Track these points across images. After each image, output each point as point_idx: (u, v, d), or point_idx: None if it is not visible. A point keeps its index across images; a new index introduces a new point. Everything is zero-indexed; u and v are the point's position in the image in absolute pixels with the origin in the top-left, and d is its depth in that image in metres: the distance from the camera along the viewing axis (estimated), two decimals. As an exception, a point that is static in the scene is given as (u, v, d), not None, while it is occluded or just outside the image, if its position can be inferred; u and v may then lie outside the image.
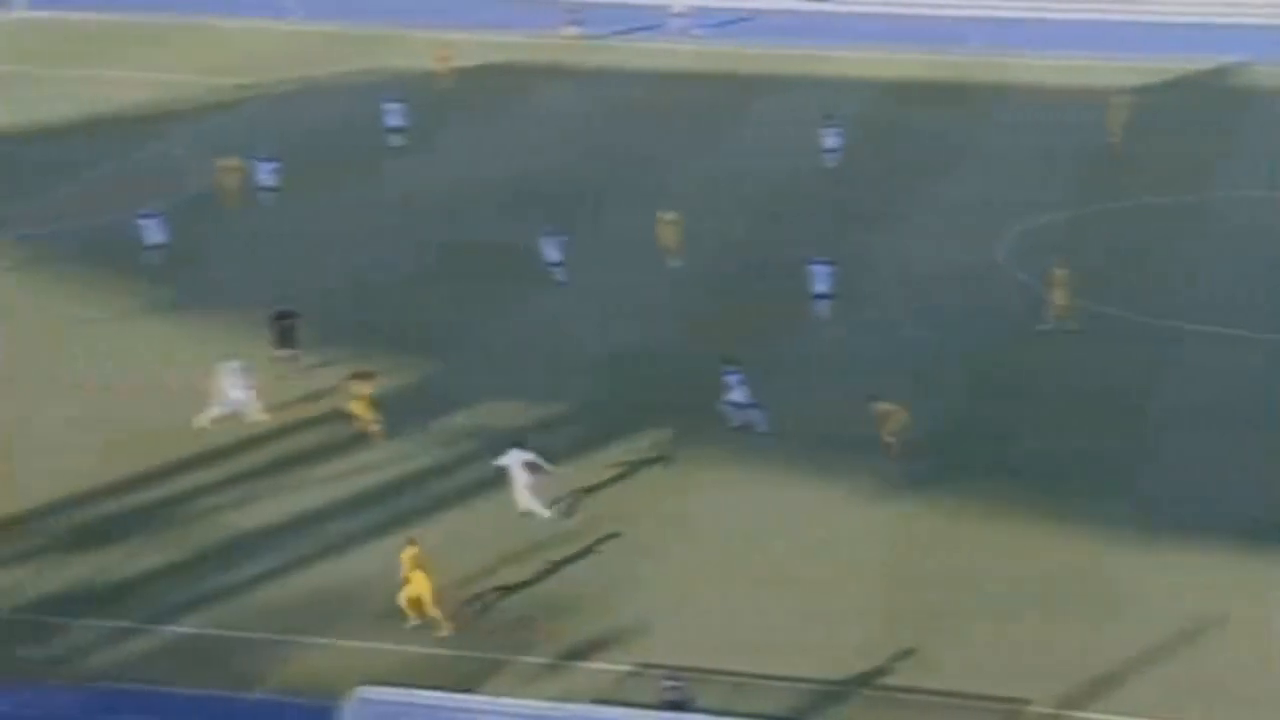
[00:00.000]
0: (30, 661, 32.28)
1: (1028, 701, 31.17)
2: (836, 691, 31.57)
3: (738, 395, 41.87)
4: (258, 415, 41.63)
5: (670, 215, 52.78)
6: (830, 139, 62.96)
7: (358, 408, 41.19)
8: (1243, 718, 30.82)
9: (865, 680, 31.89)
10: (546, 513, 37.27)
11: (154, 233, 51.90)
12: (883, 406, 40.24)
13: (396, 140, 65.07)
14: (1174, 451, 41.10)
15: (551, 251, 51.38)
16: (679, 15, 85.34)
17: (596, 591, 35.02)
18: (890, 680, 31.92)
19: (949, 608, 34.43)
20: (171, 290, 50.33)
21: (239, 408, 41.55)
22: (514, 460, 37.55)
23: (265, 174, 57.43)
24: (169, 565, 35.89)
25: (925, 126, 69.04)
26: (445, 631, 33.10)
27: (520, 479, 37.39)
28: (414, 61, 77.75)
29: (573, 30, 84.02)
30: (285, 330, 45.23)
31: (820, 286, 49.00)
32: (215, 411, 41.48)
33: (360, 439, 41.25)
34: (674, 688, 30.03)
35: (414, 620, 33.22)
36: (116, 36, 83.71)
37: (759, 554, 36.46)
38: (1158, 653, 32.68)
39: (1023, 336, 48.19)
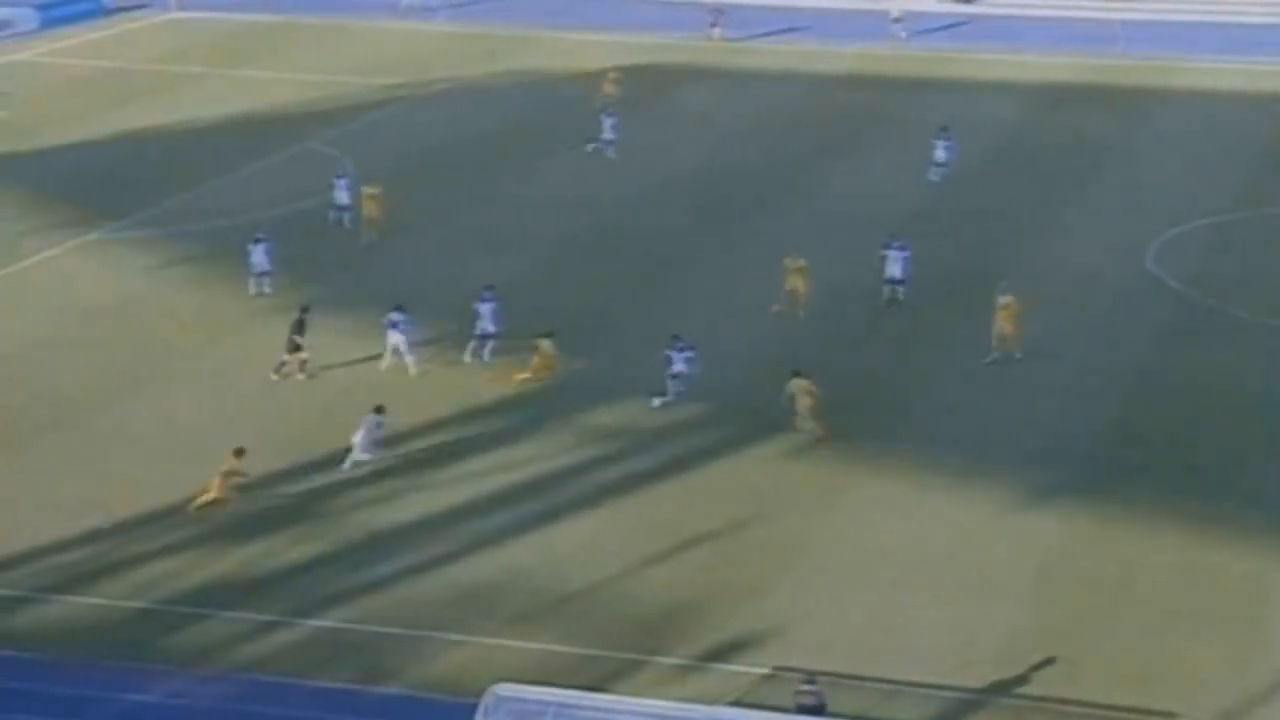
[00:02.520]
0: (175, 652, 32.73)
1: (1176, 715, 30.58)
2: (977, 699, 31.14)
3: (680, 367, 43.02)
4: (413, 368, 44.22)
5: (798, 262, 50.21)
6: (941, 151, 61.38)
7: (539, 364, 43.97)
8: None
9: (1006, 688, 31.41)
10: None
11: (261, 257, 50.20)
12: (801, 384, 40.90)
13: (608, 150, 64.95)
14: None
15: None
16: (896, 20, 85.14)
17: (735, 592, 34.84)
18: (1032, 690, 31.39)
19: (1100, 616, 33.83)
20: (320, 289, 50.76)
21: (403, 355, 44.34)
22: None
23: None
24: (312, 559, 36.18)
25: (1081, 129, 68.28)
26: None
27: None
28: (555, 63, 78.41)
29: (717, 32, 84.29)
30: (298, 329, 44.50)
31: (894, 271, 49.47)
32: (385, 362, 44.37)
33: (502, 435, 41.55)
34: (809, 691, 29.78)
35: None
36: (265, 38, 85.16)
37: (904, 558, 36.07)
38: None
39: (1175, 341, 47.43)
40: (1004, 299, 44.46)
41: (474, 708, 28.50)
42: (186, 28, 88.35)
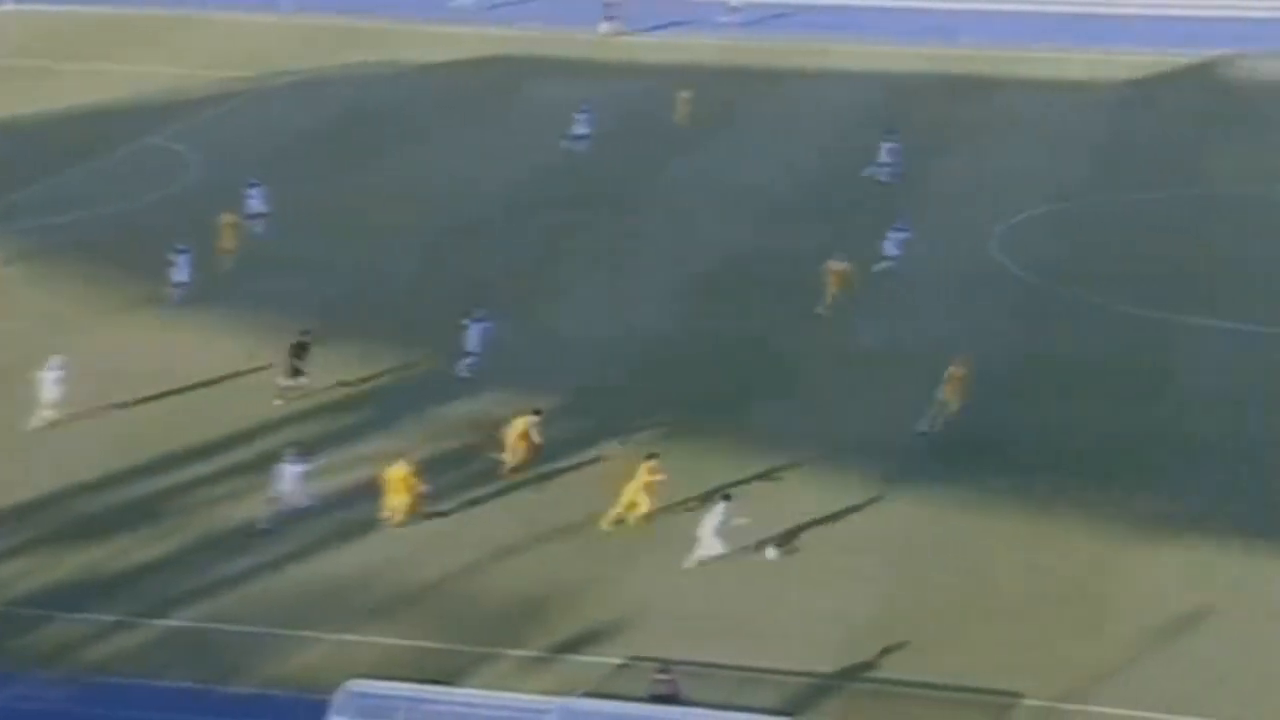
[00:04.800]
0: (21, 654, 32.12)
1: (1021, 695, 31.04)
2: (829, 684, 31.42)
3: (473, 345, 43.62)
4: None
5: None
6: (885, 154, 61.82)
7: None
8: (1233, 711, 30.65)
9: (857, 673, 31.72)
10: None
11: (181, 270, 49.02)
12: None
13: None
14: (1190, 444, 41.06)
15: None
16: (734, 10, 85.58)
17: (589, 582, 34.86)
18: (885, 673, 31.74)
19: (949, 601, 34.24)
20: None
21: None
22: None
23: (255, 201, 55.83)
24: (160, 559, 35.68)
25: (926, 120, 69.08)
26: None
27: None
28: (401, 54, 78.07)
29: (606, 26, 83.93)
30: (298, 352, 43.51)
31: (892, 250, 51.55)
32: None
33: (352, 431, 41.32)
34: (664, 680, 29.87)
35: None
36: (107, 30, 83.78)
37: (750, 544, 36.31)
38: (1156, 646, 32.55)
39: (1020, 327, 48.18)
40: (954, 369, 42.18)
41: (326, 705, 28.26)
42: (26, 20, 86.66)
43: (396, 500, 36.76)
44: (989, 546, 36.36)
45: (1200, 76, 77.02)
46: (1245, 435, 41.65)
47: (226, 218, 52.90)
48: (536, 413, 39.55)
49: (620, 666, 31.82)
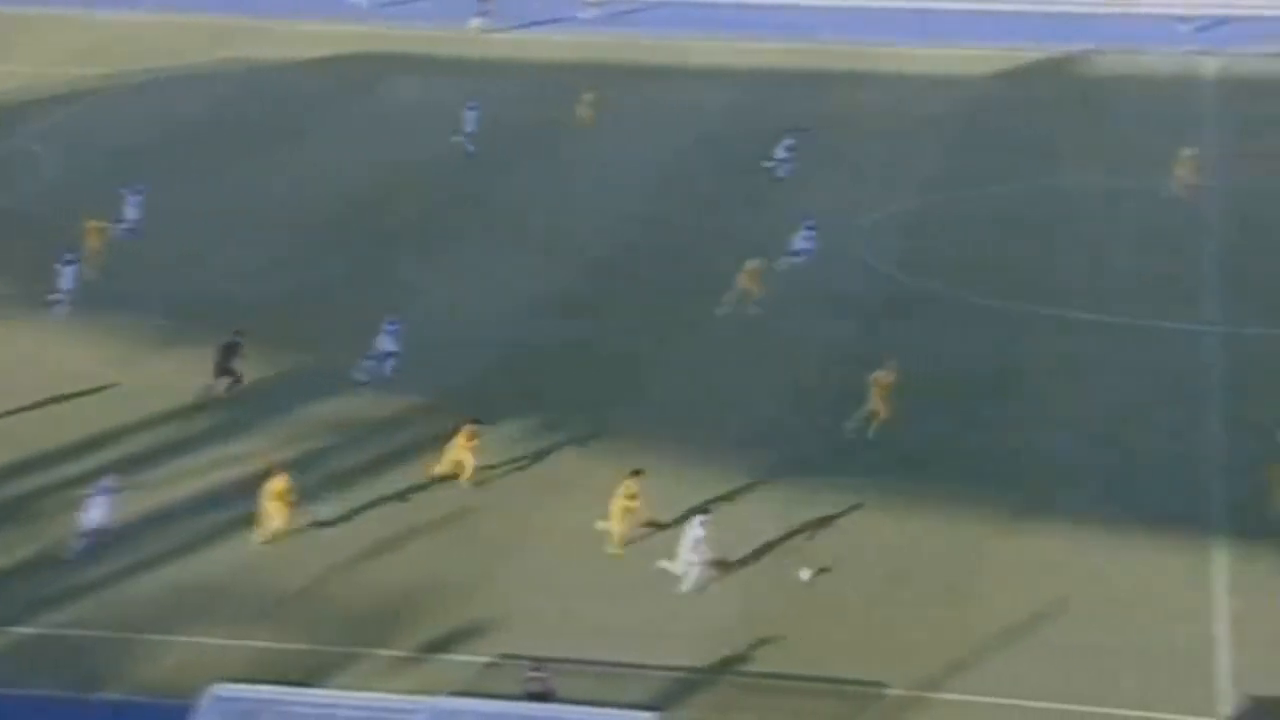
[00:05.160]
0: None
1: (885, 685, 31.44)
2: (699, 679, 31.60)
3: (387, 344, 43.51)
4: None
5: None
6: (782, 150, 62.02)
7: None
8: (1089, 694, 31.24)
9: (726, 666, 31.94)
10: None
11: (66, 279, 48.03)
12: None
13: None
14: (1043, 436, 41.65)
15: None
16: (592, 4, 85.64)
17: (458, 582, 34.80)
18: (753, 667, 32.00)
19: (814, 593, 34.51)
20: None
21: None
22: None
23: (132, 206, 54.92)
24: (18, 564, 35.16)
25: (787, 116, 69.59)
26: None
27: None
28: (270, 52, 77.33)
29: (477, 23, 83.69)
30: (227, 354, 43.11)
31: (801, 244, 52.26)
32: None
33: (217, 431, 40.94)
34: (537, 678, 29.89)
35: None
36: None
37: (626, 543, 36.39)
38: (1015, 635, 33.04)
39: (884, 322, 48.72)
40: (880, 375, 41.95)
41: (190, 710, 27.99)
42: None
43: (273, 515, 35.92)
44: (850, 541, 36.71)
45: (1055, 71, 78.28)
46: (1098, 426, 42.35)
47: (92, 223, 52.05)
48: (475, 422, 39.08)
49: (489, 665, 31.82)
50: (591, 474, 38.95)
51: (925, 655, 32.31)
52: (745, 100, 71.90)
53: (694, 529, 34.69)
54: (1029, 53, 79.82)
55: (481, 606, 33.91)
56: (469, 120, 64.37)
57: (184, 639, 32.54)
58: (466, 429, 38.66)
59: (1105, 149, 65.63)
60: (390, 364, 44.01)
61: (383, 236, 55.28)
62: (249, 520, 36.41)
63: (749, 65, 78.10)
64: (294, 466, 37.72)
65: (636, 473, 36.51)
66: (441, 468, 38.58)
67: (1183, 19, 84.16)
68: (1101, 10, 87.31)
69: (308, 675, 30.80)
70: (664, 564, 34.98)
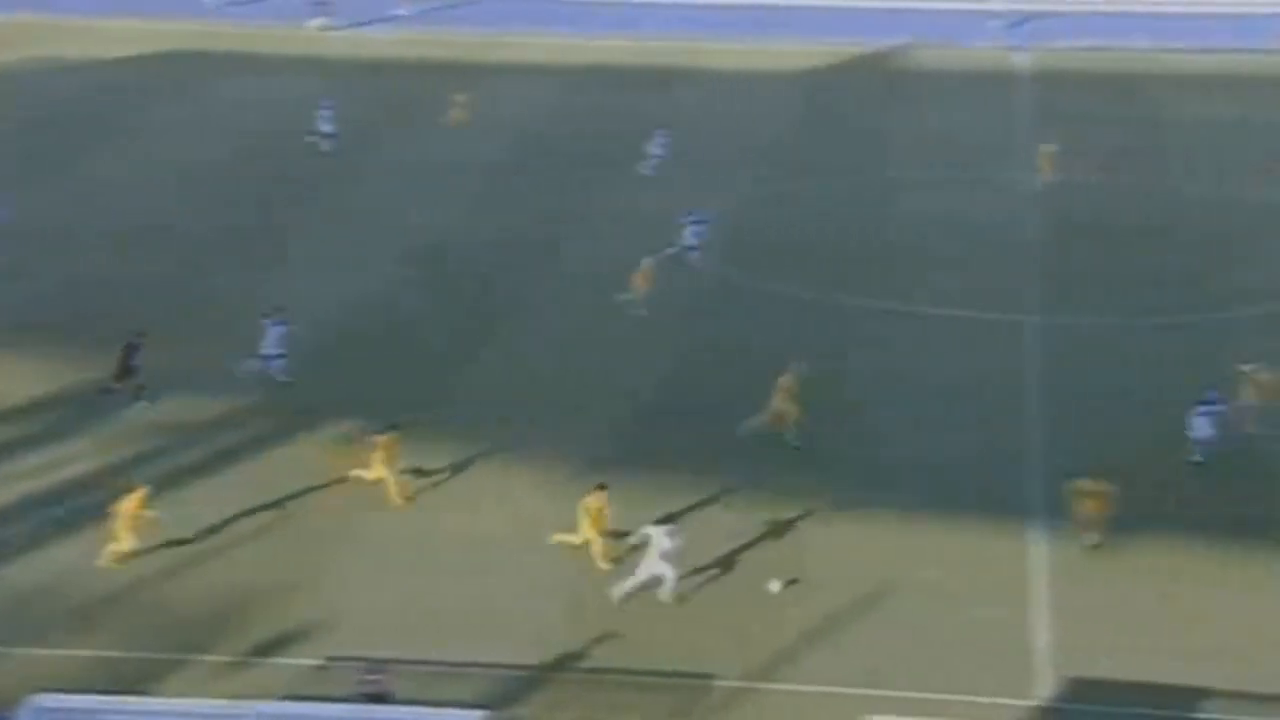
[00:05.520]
0: None
1: (713, 677, 31.76)
2: (531, 677, 31.66)
3: (272, 347, 43.07)
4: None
5: None
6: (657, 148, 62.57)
7: None
8: (910, 680, 31.79)
9: (559, 664, 32.06)
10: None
11: None
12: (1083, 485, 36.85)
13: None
14: (865, 425, 42.25)
15: None
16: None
17: (286, 584, 34.55)
18: (585, 663, 32.12)
19: (647, 591, 34.60)
20: None
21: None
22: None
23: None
24: None
25: (614, 113, 69.89)
26: None
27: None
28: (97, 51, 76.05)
29: (316, 22, 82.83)
30: (127, 354, 42.44)
31: (690, 240, 52.50)
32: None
33: (49, 433, 40.31)
34: (373, 680, 29.71)
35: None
36: None
37: (455, 542, 36.32)
38: (843, 624, 33.52)
39: (711, 317, 49.09)
40: (784, 378, 41.67)
41: (10, 722, 27.59)
42: None
43: (125, 537, 34.86)
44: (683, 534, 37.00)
45: (875, 65, 79.45)
46: (919, 415, 43.07)
47: None
48: (394, 427, 38.47)
49: (319, 668, 31.62)
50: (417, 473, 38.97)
51: (754, 646, 32.66)
52: (574, 98, 72.03)
53: (661, 540, 34.28)
54: (848, 47, 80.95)
55: (311, 608, 33.68)
56: (323, 119, 63.75)
57: (7, 650, 31.90)
58: (383, 438, 37.61)
59: (929, 142, 66.76)
60: (278, 365, 43.46)
61: (222, 233, 54.70)
62: (77, 525, 35.84)
63: (569, 61, 78.29)
64: (120, 468, 37.10)
65: (601, 487, 35.86)
66: (372, 474, 37.71)
67: (994, 14, 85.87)
68: (916, 5, 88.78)
69: (134, 683, 30.38)
70: (625, 587, 34.29)
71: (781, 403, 41.02)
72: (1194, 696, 30.91)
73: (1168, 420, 41.68)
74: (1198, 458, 39.86)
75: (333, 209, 57.76)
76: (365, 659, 30.43)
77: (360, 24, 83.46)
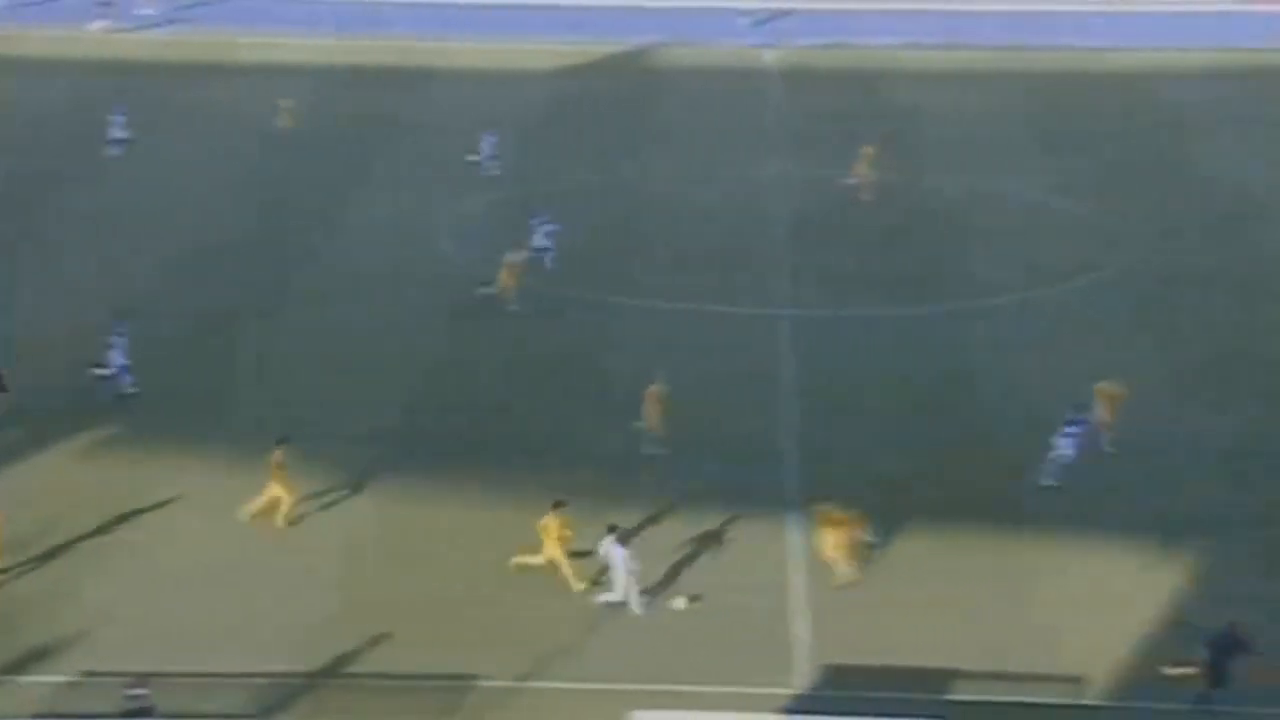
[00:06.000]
0: None
1: (479, 677, 31.84)
2: (298, 683, 31.40)
3: (118, 358, 42.39)
4: None
5: None
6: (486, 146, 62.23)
7: None
8: (671, 673, 32.02)
9: (327, 669, 31.87)
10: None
11: None
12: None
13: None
14: (621, 419, 42.47)
15: None
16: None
17: (38, 598, 33.84)
18: (353, 667, 31.98)
19: (413, 591, 34.72)
20: None
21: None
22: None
23: None
24: None
25: (361, 114, 69.45)
26: None
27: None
28: None
29: (99, 25, 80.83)
30: None
31: (541, 241, 52.09)
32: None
33: None
34: (136, 695, 29.08)
35: None
36: None
37: (214, 553, 35.94)
38: (598, 617, 33.82)
39: (466, 321, 49.16)
40: (653, 388, 41.28)
41: None
42: None
43: None
44: (438, 538, 37.05)
45: (625, 65, 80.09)
46: (676, 409, 43.38)
47: None
48: (281, 442, 37.38)
49: (72, 684, 30.97)
50: (176, 481, 38.46)
51: (520, 645, 32.81)
52: (316, 99, 71.42)
53: (616, 551, 34.01)
54: (598, 46, 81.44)
55: (63, 623, 32.99)
56: (115, 125, 62.33)
57: None
58: (276, 453, 36.73)
59: (679, 140, 67.52)
60: (126, 379, 42.63)
61: None
62: None
63: (311, 61, 77.68)
64: None
65: (559, 504, 35.33)
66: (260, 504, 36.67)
67: (742, 13, 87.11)
68: (666, 4, 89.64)
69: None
70: (605, 598, 34.12)
71: (652, 411, 40.92)
72: (947, 678, 31.89)
73: (915, 408, 42.91)
74: (1051, 481, 38.81)
75: (99, 211, 56.64)
76: (125, 673, 29.90)
77: (145, 26, 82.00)
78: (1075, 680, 31.80)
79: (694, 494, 38.94)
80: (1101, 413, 40.42)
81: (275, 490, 36.73)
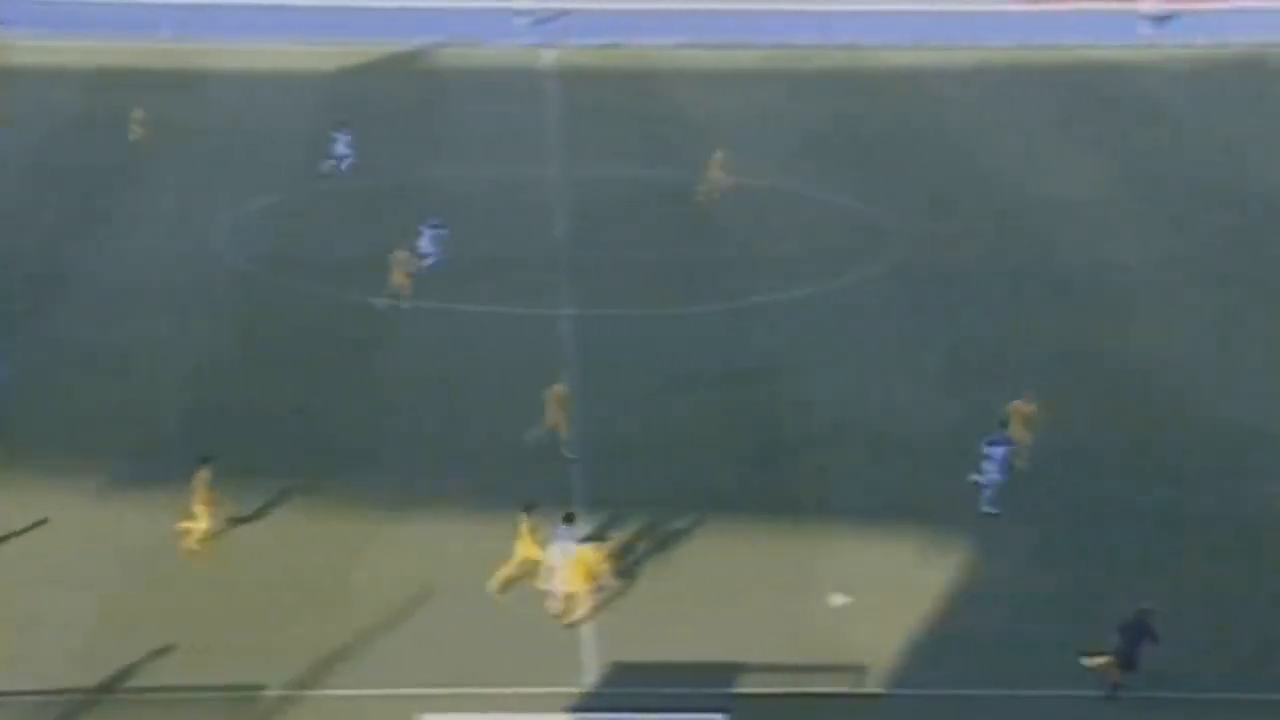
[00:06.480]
0: None
1: (261, 687, 31.42)
2: (74, 700, 30.70)
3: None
4: None
5: None
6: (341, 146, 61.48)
7: None
8: (461, 675, 31.95)
9: (106, 685, 31.20)
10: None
11: None
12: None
13: None
14: (404, 422, 42.41)
15: None
16: None
17: None
18: (133, 682, 31.34)
19: (191, 605, 34.21)
20: None
21: None
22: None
23: None
24: None
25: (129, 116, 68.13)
26: None
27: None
28: None
29: None
30: None
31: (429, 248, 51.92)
32: None
33: None
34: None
35: None
36: None
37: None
38: (391, 622, 33.66)
39: (252, 322, 48.51)
40: (557, 388, 41.02)
41: None
42: None
43: None
44: (253, 540, 36.71)
45: (402, 65, 79.74)
46: (460, 412, 43.35)
47: None
48: (205, 461, 36.07)
49: None
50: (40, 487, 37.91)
51: (306, 653, 32.47)
52: (94, 98, 70.13)
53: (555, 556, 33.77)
54: (374, 47, 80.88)
55: None
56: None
57: None
58: (202, 474, 35.46)
59: (459, 141, 67.28)
60: None
61: None
62: None
63: (93, 63, 76.15)
64: None
65: (530, 508, 34.76)
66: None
67: (520, 13, 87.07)
68: (444, 5, 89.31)
69: None
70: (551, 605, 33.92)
71: (554, 412, 40.60)
72: (733, 670, 32.19)
73: (701, 406, 43.32)
74: (990, 509, 38.04)
75: None
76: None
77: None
78: (859, 669, 32.30)
79: (477, 496, 38.79)
80: (1018, 430, 39.88)
81: (197, 510, 35.60)
